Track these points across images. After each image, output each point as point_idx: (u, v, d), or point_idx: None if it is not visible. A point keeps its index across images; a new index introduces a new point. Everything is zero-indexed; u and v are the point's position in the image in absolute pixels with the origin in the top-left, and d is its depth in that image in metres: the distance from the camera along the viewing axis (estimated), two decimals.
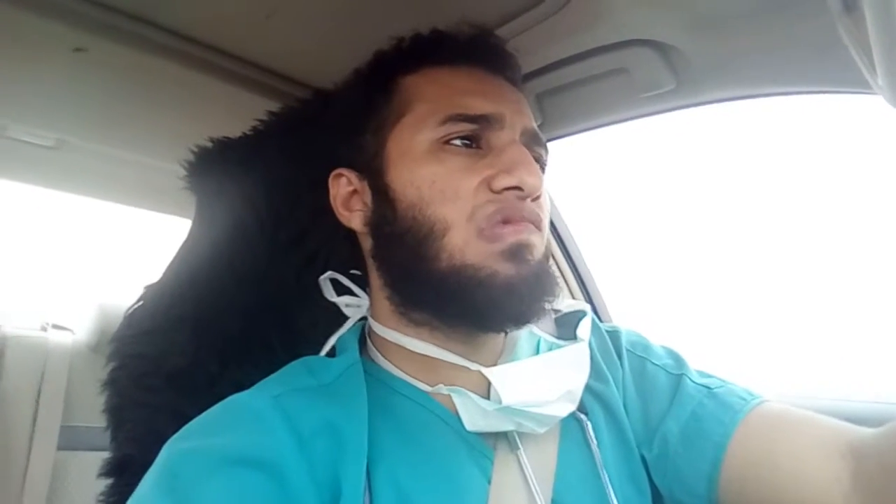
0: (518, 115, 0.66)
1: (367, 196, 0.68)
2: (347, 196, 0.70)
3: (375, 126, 0.68)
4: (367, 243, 0.69)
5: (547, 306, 0.62)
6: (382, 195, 0.65)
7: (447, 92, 0.65)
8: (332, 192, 0.71)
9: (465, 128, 0.63)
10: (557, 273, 1.41)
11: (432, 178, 0.61)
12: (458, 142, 0.63)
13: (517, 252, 0.59)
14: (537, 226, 0.62)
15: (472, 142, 0.63)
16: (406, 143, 0.64)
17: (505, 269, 0.59)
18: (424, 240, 0.60)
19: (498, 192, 0.60)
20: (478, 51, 0.69)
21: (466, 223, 0.60)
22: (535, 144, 0.67)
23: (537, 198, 0.62)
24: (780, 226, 1.65)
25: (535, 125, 0.68)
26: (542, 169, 0.68)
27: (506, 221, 0.60)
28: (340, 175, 0.70)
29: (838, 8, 0.55)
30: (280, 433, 0.55)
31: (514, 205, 0.60)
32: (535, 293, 0.60)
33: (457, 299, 0.60)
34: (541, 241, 0.63)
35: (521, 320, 0.61)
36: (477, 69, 0.68)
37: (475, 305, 0.59)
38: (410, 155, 0.64)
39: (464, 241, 0.59)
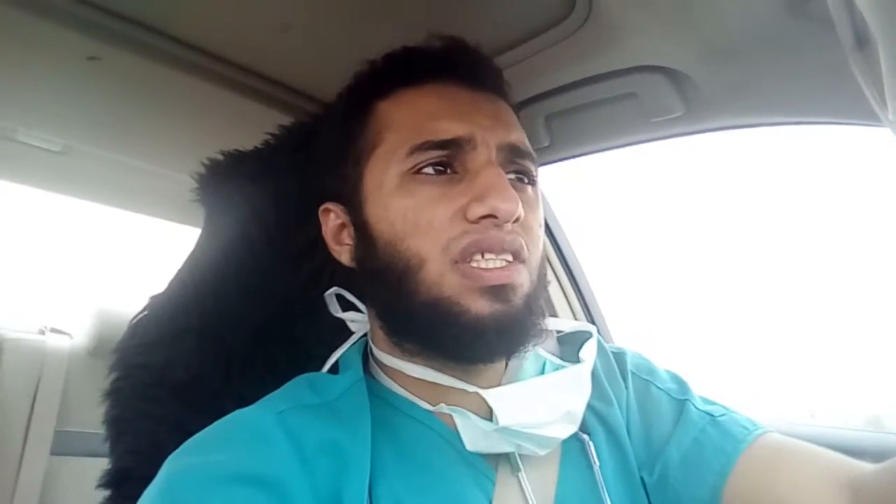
0: (493, 131, 0.62)
1: (352, 230, 0.67)
2: (337, 230, 0.69)
3: (354, 157, 0.66)
4: (358, 275, 0.69)
5: (524, 345, 0.60)
6: (362, 231, 0.64)
7: (416, 117, 0.63)
8: (323, 227, 0.70)
9: (435, 155, 0.60)
10: (559, 291, 1.42)
11: (405, 213, 0.60)
12: (429, 170, 0.61)
13: (498, 291, 0.57)
14: (517, 255, 0.59)
15: (446, 167, 0.61)
16: (379, 177, 0.63)
17: (478, 306, 0.57)
18: (403, 275, 0.59)
19: (474, 222, 0.58)
20: (450, 65, 0.66)
21: (441, 255, 0.58)
22: (517, 158, 0.64)
23: (517, 220, 0.59)
24: (782, 249, 1.65)
25: (516, 137, 0.64)
26: (531, 181, 0.66)
27: (486, 254, 0.58)
28: (328, 210, 0.70)
29: (850, 43, 0.56)
30: (283, 450, 0.55)
31: (491, 235, 0.58)
32: (508, 334, 0.58)
33: (433, 333, 0.59)
34: (526, 276, 0.60)
35: (490, 357, 0.60)
36: (450, 86, 0.65)
37: (446, 341, 0.58)
38: (383, 189, 0.62)
39: (439, 274, 0.58)
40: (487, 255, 0.58)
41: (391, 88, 0.67)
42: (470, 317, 0.57)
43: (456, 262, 0.58)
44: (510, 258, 0.59)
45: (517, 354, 0.61)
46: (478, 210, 0.57)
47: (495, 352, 0.59)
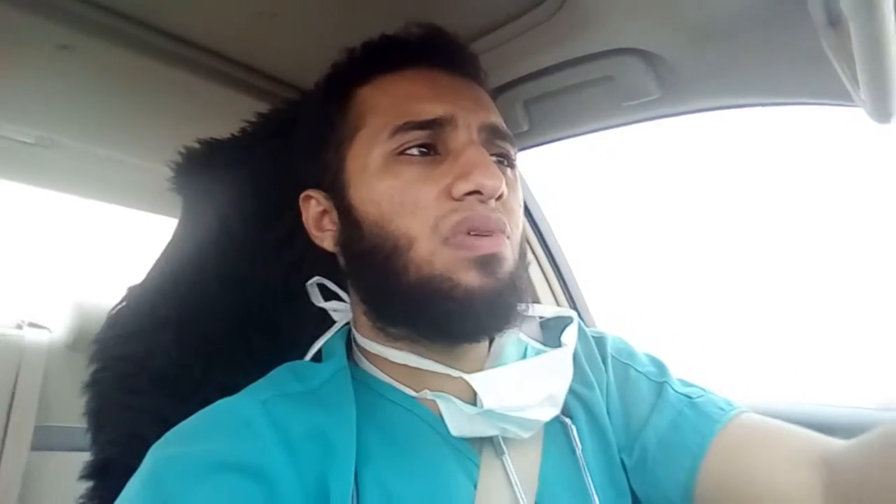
0: (473, 112, 0.64)
1: (335, 216, 0.67)
2: (318, 217, 0.70)
3: (335, 143, 0.67)
4: (341, 261, 0.69)
5: (510, 321, 0.61)
6: (347, 215, 0.65)
7: (397, 100, 0.64)
8: (303, 214, 0.70)
9: (418, 136, 0.62)
10: (541, 277, 1.42)
11: (390, 193, 0.61)
12: (413, 151, 0.62)
13: (487, 263, 0.59)
14: (503, 232, 0.61)
15: (429, 148, 0.62)
16: (362, 159, 0.63)
17: (468, 279, 0.58)
18: (391, 255, 0.60)
19: (459, 199, 0.59)
20: (429, 51, 0.67)
21: (431, 234, 0.59)
22: (497, 139, 0.65)
23: (500, 197, 0.61)
24: (766, 233, 1.67)
25: (495, 119, 0.66)
26: (510, 164, 0.67)
27: (472, 232, 0.59)
28: (309, 197, 0.70)
29: (823, 21, 0.57)
30: (268, 439, 0.55)
31: (479, 212, 0.59)
32: (496, 308, 0.59)
33: (422, 312, 0.59)
34: (512, 252, 0.62)
35: (479, 334, 0.61)
36: (429, 71, 0.67)
37: (436, 318, 0.59)
38: (367, 171, 0.63)
39: (430, 252, 0.59)
40: (474, 233, 0.59)
41: (371, 74, 0.67)
42: (460, 291, 0.58)
43: (447, 238, 0.58)
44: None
45: (503, 331, 0.62)
46: (463, 186, 0.58)
47: (483, 327, 0.60)
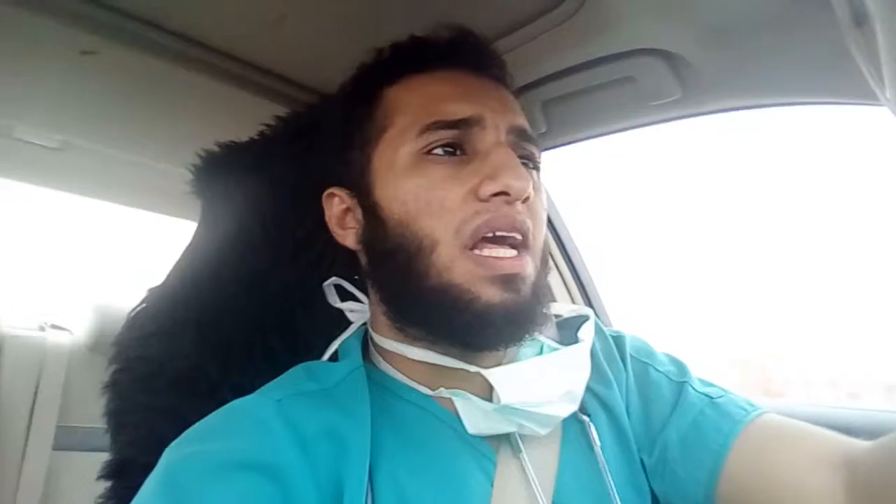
0: (501, 114, 0.64)
1: (359, 213, 0.67)
2: (341, 214, 0.70)
3: (361, 142, 0.67)
4: (363, 259, 0.69)
5: (531, 333, 0.61)
6: (372, 213, 0.65)
7: (426, 100, 0.64)
8: (326, 212, 0.71)
9: (446, 135, 0.61)
10: (558, 278, 1.42)
11: (416, 192, 0.60)
12: (440, 150, 0.62)
13: (508, 280, 0.58)
14: (526, 238, 0.60)
15: (456, 148, 0.62)
16: (390, 157, 0.63)
17: (488, 293, 0.58)
18: (415, 256, 0.60)
19: (485, 200, 0.59)
20: (458, 53, 0.67)
21: (453, 238, 0.59)
22: (524, 142, 0.65)
23: (526, 199, 0.60)
24: (781, 232, 1.65)
25: (522, 122, 0.66)
26: (535, 167, 0.67)
27: (494, 236, 0.58)
28: (333, 195, 0.70)
29: (848, 22, 0.56)
30: (282, 438, 0.55)
31: (504, 213, 0.59)
32: (516, 322, 0.59)
33: (442, 319, 0.60)
34: (533, 264, 0.62)
35: (498, 345, 0.61)
36: (458, 72, 0.67)
37: (455, 328, 0.59)
38: (394, 170, 0.63)
39: (450, 259, 0.58)
40: (499, 233, 0.59)
41: (399, 75, 0.67)
42: (480, 304, 0.57)
43: (467, 247, 0.58)
44: (519, 237, 0.60)
45: (523, 342, 0.61)
46: (490, 187, 0.58)
47: (503, 339, 0.60)
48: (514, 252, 0.59)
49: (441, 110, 0.62)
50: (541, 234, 0.64)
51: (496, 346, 0.61)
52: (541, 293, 0.62)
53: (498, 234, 0.59)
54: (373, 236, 0.65)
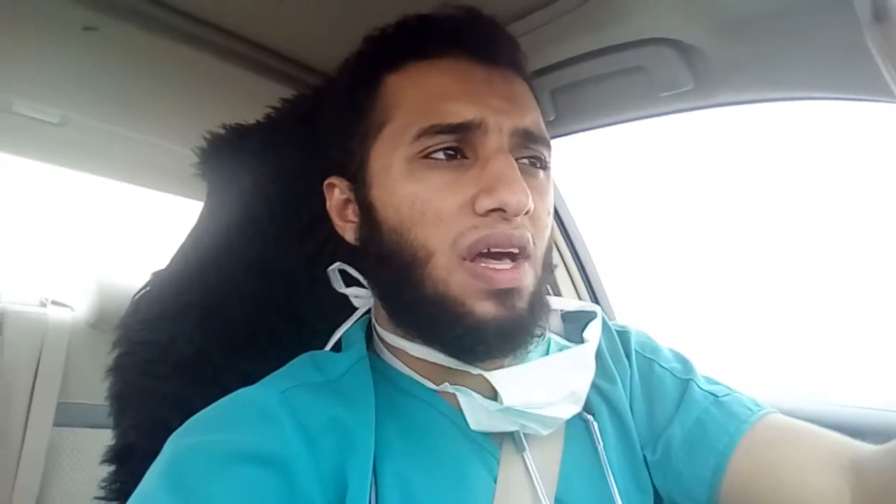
0: (506, 115, 0.59)
1: (357, 208, 0.66)
2: (342, 205, 0.68)
3: (361, 132, 0.64)
4: (362, 255, 0.68)
5: (525, 346, 0.60)
6: (368, 213, 0.63)
7: (425, 96, 0.60)
8: (327, 201, 0.69)
9: (444, 139, 0.58)
10: (564, 273, 1.41)
11: (412, 200, 0.58)
12: (439, 154, 0.58)
13: (503, 295, 0.57)
14: (525, 249, 0.58)
15: (456, 152, 0.59)
16: (386, 158, 0.61)
17: (482, 308, 0.56)
18: (409, 266, 0.58)
19: (482, 215, 0.56)
20: (465, 38, 0.63)
21: (449, 250, 0.57)
22: (531, 143, 0.61)
23: (527, 212, 0.57)
24: (790, 228, 1.64)
25: (529, 121, 0.62)
26: (544, 167, 0.64)
27: (493, 248, 0.56)
28: (333, 185, 0.68)
29: (868, 16, 0.55)
30: (287, 429, 0.55)
31: (500, 231, 0.56)
32: (509, 337, 0.58)
33: (434, 330, 0.59)
34: (532, 276, 0.59)
35: (490, 358, 0.60)
36: (463, 61, 0.62)
37: (447, 340, 0.58)
38: (390, 173, 0.60)
39: (446, 271, 0.57)
40: (494, 251, 0.57)
41: (402, 61, 0.64)
42: (473, 319, 0.56)
43: (464, 258, 0.57)
44: (516, 251, 0.58)
45: (517, 354, 0.60)
46: (486, 203, 0.56)
47: (495, 353, 0.59)
48: (512, 263, 0.57)
49: (441, 111, 0.58)
50: (542, 241, 0.62)
51: (487, 359, 0.60)
52: (537, 305, 0.60)
53: (493, 251, 0.57)
54: (368, 238, 0.64)
